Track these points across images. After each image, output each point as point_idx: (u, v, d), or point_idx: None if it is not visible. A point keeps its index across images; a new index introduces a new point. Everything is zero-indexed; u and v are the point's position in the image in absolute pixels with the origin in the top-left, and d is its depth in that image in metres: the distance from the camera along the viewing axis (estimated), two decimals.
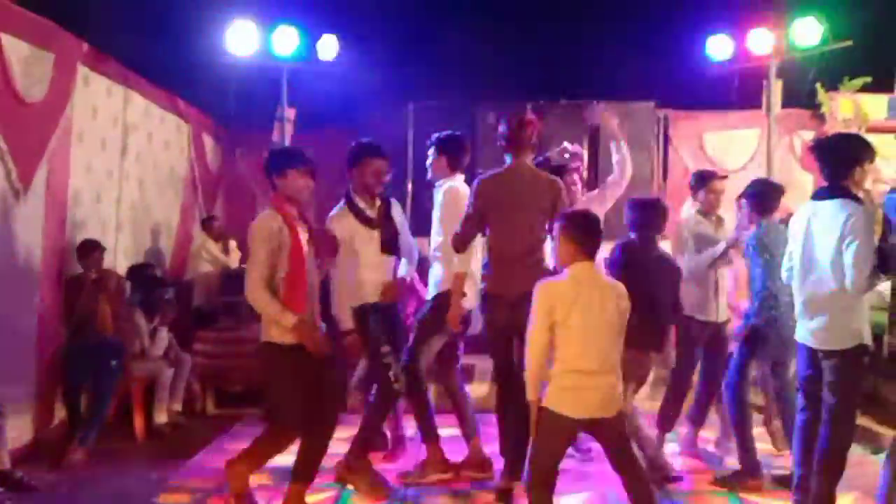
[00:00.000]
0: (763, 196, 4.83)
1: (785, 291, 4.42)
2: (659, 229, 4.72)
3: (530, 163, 4.53)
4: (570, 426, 3.53)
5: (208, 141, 8.45)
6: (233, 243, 7.83)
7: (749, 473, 4.62)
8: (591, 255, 3.61)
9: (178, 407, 6.30)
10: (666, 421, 5.16)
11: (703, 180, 5.20)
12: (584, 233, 3.61)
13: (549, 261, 4.35)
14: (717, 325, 5.10)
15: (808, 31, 7.35)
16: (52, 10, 5.32)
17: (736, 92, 8.78)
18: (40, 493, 4.56)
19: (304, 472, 4.03)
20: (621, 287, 3.65)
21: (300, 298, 3.91)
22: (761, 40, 7.55)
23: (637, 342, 4.07)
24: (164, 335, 6.32)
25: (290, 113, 7.45)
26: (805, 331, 4.03)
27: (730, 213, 5.44)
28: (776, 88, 7.75)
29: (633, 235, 4.69)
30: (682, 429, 5.32)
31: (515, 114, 4.56)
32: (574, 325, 3.47)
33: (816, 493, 3.90)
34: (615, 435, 3.60)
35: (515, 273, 4.31)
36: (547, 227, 4.36)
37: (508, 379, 4.39)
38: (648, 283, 4.42)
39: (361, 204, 4.66)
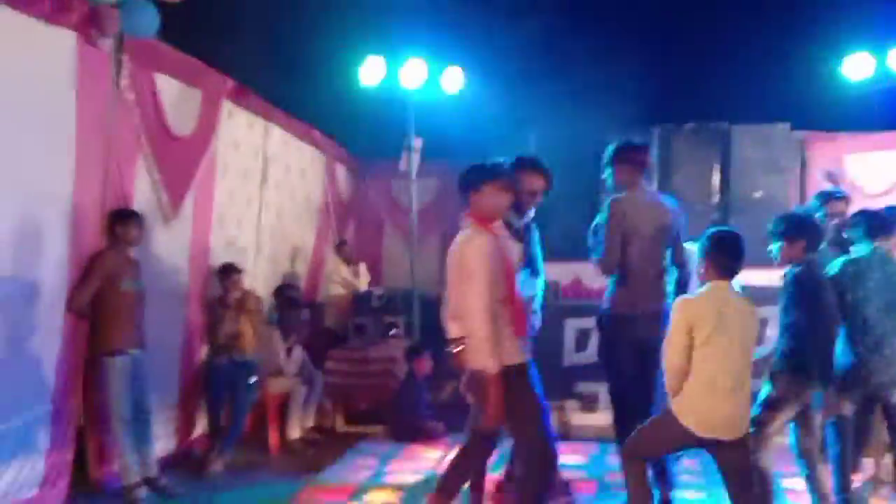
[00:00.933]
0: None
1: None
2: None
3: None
4: (693, 440, 3.54)
5: (341, 170, 8.82)
6: (362, 267, 8.13)
7: None
8: (731, 274, 3.61)
9: (310, 423, 6.57)
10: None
11: (822, 199, 4.95)
12: (727, 253, 3.62)
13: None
14: None
15: None
16: (198, 49, 5.71)
17: (878, 112, 8.34)
18: (182, 499, 4.87)
19: (451, 487, 3.95)
20: (756, 309, 3.65)
21: (521, 320, 3.84)
22: None
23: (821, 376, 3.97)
24: (299, 354, 6.62)
25: (417, 142, 7.70)
26: None
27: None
28: None
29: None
30: None
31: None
32: (712, 344, 3.47)
33: None
34: (736, 458, 3.53)
35: (648, 293, 4.35)
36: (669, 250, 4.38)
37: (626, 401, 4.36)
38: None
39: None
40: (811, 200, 5.05)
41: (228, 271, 6.00)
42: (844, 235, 4.77)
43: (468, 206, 3.82)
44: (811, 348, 3.94)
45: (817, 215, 4.93)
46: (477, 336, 3.59)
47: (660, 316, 4.22)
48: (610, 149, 4.63)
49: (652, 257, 4.42)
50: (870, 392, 4.31)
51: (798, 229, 4.08)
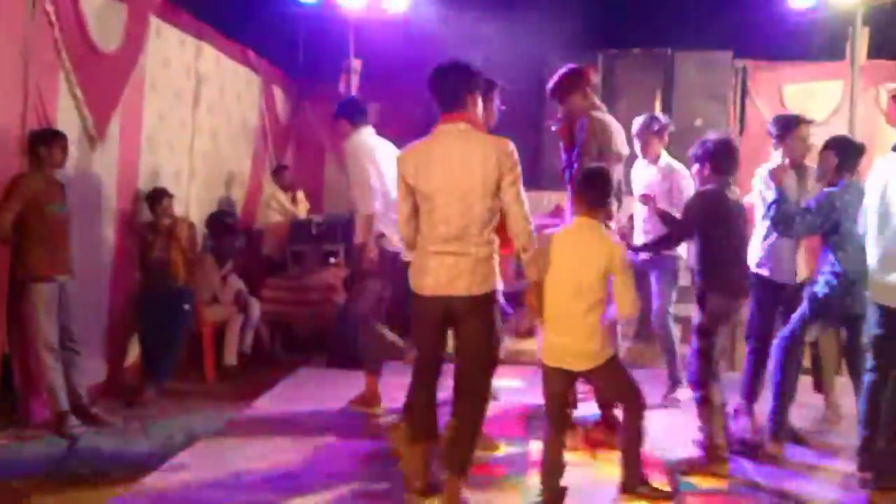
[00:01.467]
0: (844, 154, 4.49)
1: (858, 255, 4.20)
2: (733, 172, 4.46)
3: None
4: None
5: (278, 93, 8.54)
6: (301, 194, 7.96)
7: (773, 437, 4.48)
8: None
9: (247, 350, 6.49)
10: (753, 391, 4.93)
11: (790, 126, 4.85)
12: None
13: None
14: (793, 287, 4.83)
15: None
16: None
17: (818, 42, 8.37)
18: (113, 428, 4.79)
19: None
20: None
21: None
22: None
23: (726, 289, 4.22)
24: (235, 282, 6.51)
25: (356, 64, 7.46)
26: (880, 288, 3.88)
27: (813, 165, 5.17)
28: (862, 38, 7.36)
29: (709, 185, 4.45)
30: None
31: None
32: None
33: (886, 453, 3.80)
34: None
35: None
36: None
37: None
38: (731, 230, 4.32)
39: None
40: (773, 128, 4.96)
41: (158, 196, 5.80)
42: None
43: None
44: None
45: (786, 143, 4.85)
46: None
47: None
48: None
49: None
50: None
51: (708, 153, 4.36)
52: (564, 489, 3.67)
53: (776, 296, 4.85)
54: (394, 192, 5.02)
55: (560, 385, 3.74)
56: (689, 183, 5.31)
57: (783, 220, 4.37)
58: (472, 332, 3.60)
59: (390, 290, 5.20)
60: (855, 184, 4.41)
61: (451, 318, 3.62)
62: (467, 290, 3.54)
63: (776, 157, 5.02)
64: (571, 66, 4.71)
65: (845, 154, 4.48)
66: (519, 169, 3.55)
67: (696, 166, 4.52)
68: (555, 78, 4.68)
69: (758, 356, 4.88)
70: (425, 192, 3.56)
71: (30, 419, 4.71)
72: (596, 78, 4.66)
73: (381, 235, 5.05)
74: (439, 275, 3.55)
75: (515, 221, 3.54)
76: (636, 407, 3.77)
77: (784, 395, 4.47)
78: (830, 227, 4.35)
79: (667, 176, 5.49)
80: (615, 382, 3.82)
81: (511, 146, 3.55)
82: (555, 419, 3.74)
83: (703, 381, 4.20)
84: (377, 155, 5.10)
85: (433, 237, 3.57)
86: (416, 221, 3.66)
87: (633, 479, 3.80)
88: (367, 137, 5.21)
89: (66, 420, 4.64)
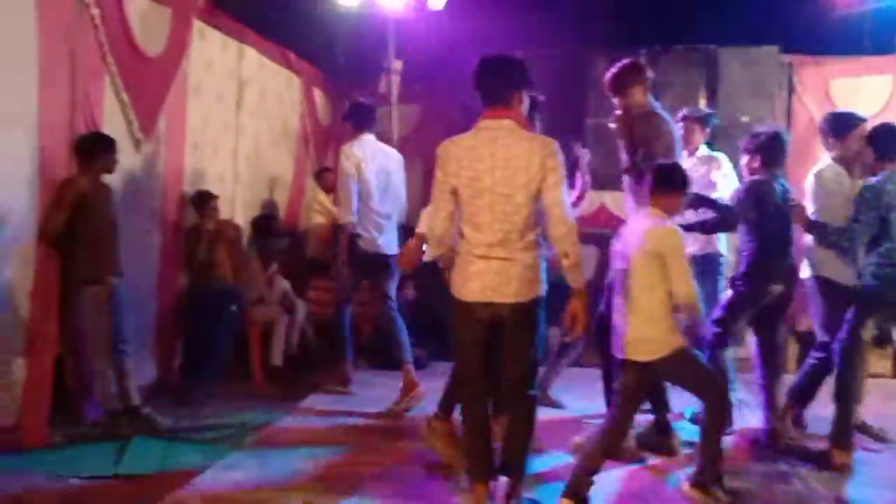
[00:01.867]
0: (882, 145, 4.36)
1: None
2: (782, 165, 4.47)
3: None
4: None
5: (318, 94, 8.55)
6: None
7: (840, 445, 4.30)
8: None
9: (293, 351, 6.50)
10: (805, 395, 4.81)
11: (849, 126, 4.66)
12: None
13: None
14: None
15: None
16: None
17: (867, 36, 8.19)
18: (164, 428, 4.79)
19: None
20: None
21: None
22: None
23: (760, 274, 4.45)
24: (281, 283, 6.53)
25: (397, 64, 7.43)
26: None
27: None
28: None
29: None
30: None
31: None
32: None
33: None
34: None
35: None
36: None
37: None
38: (776, 219, 4.42)
39: None
40: (826, 124, 4.86)
41: (205, 198, 5.83)
42: None
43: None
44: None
45: (845, 141, 4.73)
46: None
47: None
48: None
49: None
50: None
51: (759, 146, 4.53)
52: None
53: (843, 297, 4.58)
54: (377, 196, 5.57)
55: (632, 377, 3.69)
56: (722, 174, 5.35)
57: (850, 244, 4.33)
58: (518, 339, 3.47)
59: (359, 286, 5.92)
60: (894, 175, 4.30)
61: (497, 325, 3.48)
62: (515, 296, 3.40)
63: (825, 157, 4.91)
64: (629, 59, 4.60)
65: (883, 145, 4.36)
66: (563, 170, 3.43)
67: (745, 158, 4.51)
68: (613, 70, 4.54)
69: (823, 360, 4.69)
70: (468, 193, 3.42)
71: (82, 420, 4.75)
72: (651, 73, 4.57)
73: (358, 236, 5.51)
74: (485, 280, 3.41)
75: (557, 225, 3.38)
76: (716, 400, 3.70)
77: (849, 400, 4.30)
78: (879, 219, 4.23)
79: (704, 163, 5.45)
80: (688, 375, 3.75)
81: (556, 146, 3.42)
82: (622, 409, 3.71)
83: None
84: (364, 165, 5.51)
85: (477, 241, 3.43)
86: (449, 221, 3.50)
87: (705, 477, 3.70)
88: (363, 145, 5.58)
89: (120, 421, 4.68)
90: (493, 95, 3.47)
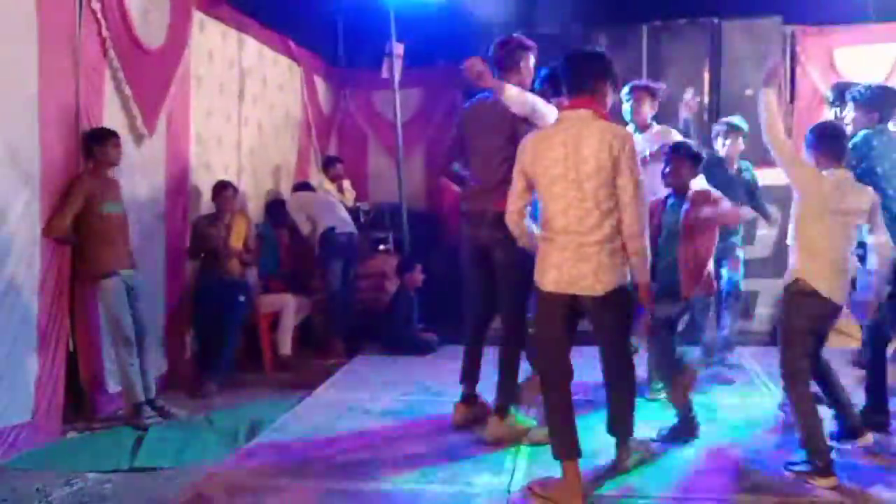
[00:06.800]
0: (877, 102, 4.38)
1: None
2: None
3: None
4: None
5: (320, 82, 8.51)
6: (347, 182, 7.92)
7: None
8: None
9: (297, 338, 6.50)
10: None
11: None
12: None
13: None
14: None
15: None
16: None
17: (872, 3, 8.11)
18: (179, 419, 4.82)
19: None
20: None
21: None
22: None
23: None
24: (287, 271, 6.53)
25: (398, 48, 7.36)
26: None
27: None
28: None
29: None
30: None
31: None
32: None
33: None
34: None
35: None
36: None
37: None
38: None
39: None
40: (833, 93, 4.77)
41: (220, 188, 5.87)
42: None
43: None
44: None
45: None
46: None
47: None
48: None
49: None
50: None
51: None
52: None
53: None
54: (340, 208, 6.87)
55: None
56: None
57: None
58: (606, 325, 3.59)
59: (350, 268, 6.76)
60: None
61: (580, 313, 3.57)
62: (591, 289, 3.42)
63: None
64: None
65: (877, 104, 4.40)
66: (639, 167, 3.42)
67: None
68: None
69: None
70: (542, 181, 3.49)
71: (95, 413, 4.77)
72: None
73: (332, 229, 6.57)
74: (562, 271, 3.45)
75: (628, 223, 3.39)
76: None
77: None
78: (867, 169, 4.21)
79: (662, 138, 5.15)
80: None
81: (627, 133, 3.48)
82: None
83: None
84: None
85: (554, 228, 3.47)
86: (523, 213, 3.67)
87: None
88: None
89: (142, 412, 4.70)
90: (573, 87, 3.55)
